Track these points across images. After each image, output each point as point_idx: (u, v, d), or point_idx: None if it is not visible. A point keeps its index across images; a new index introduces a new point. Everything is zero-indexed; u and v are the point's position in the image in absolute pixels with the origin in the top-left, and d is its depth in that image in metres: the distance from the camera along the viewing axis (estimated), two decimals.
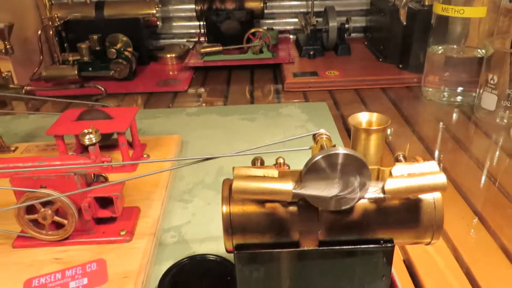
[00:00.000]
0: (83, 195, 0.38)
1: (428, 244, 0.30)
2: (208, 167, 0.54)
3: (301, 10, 1.09)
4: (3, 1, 0.89)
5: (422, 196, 0.28)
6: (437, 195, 0.28)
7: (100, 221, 0.40)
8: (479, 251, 0.42)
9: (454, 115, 0.72)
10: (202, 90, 0.86)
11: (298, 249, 0.29)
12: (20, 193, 0.37)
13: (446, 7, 0.68)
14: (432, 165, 0.27)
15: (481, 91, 0.67)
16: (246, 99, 0.80)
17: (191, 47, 1.04)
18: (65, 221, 0.38)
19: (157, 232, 0.42)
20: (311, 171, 0.26)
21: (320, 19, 1.01)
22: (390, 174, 0.26)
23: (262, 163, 0.30)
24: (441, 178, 0.26)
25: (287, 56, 0.96)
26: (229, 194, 0.29)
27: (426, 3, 0.81)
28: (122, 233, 0.40)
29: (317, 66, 0.91)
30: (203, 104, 0.78)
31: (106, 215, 0.40)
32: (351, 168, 0.26)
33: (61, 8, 0.97)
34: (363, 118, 0.29)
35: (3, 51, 0.83)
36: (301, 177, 0.26)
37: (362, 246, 0.29)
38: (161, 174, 0.49)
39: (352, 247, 0.29)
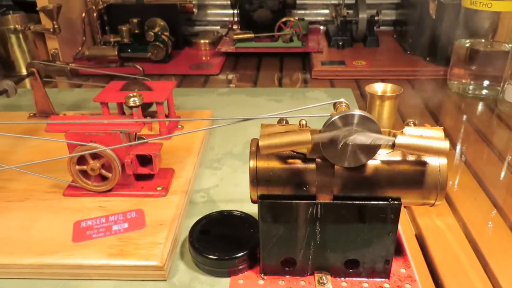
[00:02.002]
0: (126, 152, 0.43)
1: (432, 205, 0.33)
2: (236, 140, 0.58)
3: (332, 1, 1.12)
4: None
5: (429, 160, 0.32)
6: (443, 160, 0.32)
7: (139, 177, 0.45)
8: (488, 230, 0.44)
9: (478, 108, 0.73)
10: (232, 74, 0.90)
11: (314, 201, 0.32)
12: (72, 147, 0.42)
13: (475, 1, 0.70)
14: (439, 132, 0.30)
15: (505, 84, 0.69)
16: (275, 85, 0.84)
17: (224, 34, 1.09)
18: (110, 174, 0.43)
19: (189, 191, 0.46)
20: (330, 128, 0.29)
21: (350, 11, 1.03)
22: (402, 133, 0.30)
23: (287, 123, 0.33)
24: (445, 144, 0.29)
25: (316, 46, 0.99)
26: (256, 150, 0.33)
27: None
28: (159, 188, 0.44)
29: (345, 56, 0.93)
30: (232, 86, 0.82)
31: (145, 172, 0.44)
32: (364, 128, 0.29)
33: None
34: (378, 87, 0.32)
35: (51, 30, 0.90)
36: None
37: (371, 202, 0.32)
38: (194, 142, 0.53)
39: (363, 202, 0.32)
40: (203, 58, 1.01)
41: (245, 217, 0.40)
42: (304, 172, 0.32)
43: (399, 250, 0.39)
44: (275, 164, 0.32)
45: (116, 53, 0.93)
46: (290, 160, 0.32)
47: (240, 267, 0.37)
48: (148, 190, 0.44)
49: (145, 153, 0.43)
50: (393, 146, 0.29)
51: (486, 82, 0.76)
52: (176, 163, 0.49)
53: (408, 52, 0.94)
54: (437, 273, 0.39)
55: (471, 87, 0.77)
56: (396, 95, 0.31)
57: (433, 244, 0.43)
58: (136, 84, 0.55)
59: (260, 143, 0.30)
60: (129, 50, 0.95)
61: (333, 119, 0.29)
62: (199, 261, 0.37)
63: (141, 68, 0.86)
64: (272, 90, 0.77)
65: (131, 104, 0.42)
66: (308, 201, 0.32)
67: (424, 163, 0.31)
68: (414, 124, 0.31)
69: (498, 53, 0.74)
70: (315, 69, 0.87)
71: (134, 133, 0.45)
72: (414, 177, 0.31)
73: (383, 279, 0.36)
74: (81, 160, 0.43)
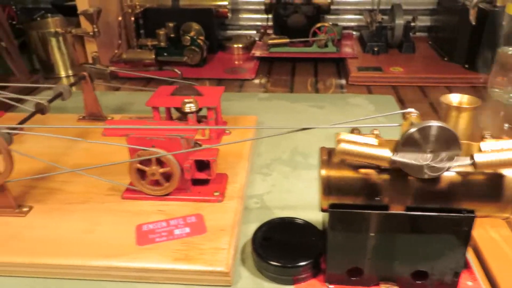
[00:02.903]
0: (185, 157, 0.43)
1: (506, 218, 0.33)
2: (282, 146, 0.58)
3: (366, 7, 1.11)
4: None
5: (506, 172, 0.31)
6: None
7: (195, 182, 0.46)
8: None
9: None
10: (267, 79, 0.90)
11: (388, 211, 0.32)
12: (133, 151, 0.43)
13: None
14: None
15: None
16: (311, 90, 0.83)
17: (257, 38, 1.09)
18: (169, 171, 0.43)
19: (244, 197, 0.46)
20: (407, 141, 0.29)
21: (385, 17, 1.02)
22: (479, 149, 0.30)
23: (360, 132, 0.33)
24: None
25: (351, 51, 0.98)
26: (328, 159, 0.33)
27: (498, 3, 0.82)
28: (216, 194, 0.45)
29: (381, 62, 0.93)
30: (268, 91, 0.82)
31: (202, 177, 0.45)
32: (443, 140, 0.29)
33: None
34: (454, 98, 0.32)
35: (91, 33, 0.92)
36: (397, 147, 0.30)
37: (445, 214, 0.32)
38: (243, 148, 0.54)
39: (437, 214, 0.32)
40: (236, 62, 1.01)
41: (306, 225, 0.40)
42: (377, 182, 0.32)
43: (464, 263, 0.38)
44: (347, 173, 0.32)
45: (153, 56, 0.94)
46: (363, 170, 0.32)
47: (304, 275, 0.37)
48: (205, 195, 0.45)
49: (204, 159, 0.44)
50: (473, 165, 0.28)
51: None
52: (228, 169, 0.49)
53: (445, 59, 0.93)
54: (497, 286, 0.38)
55: None
56: (474, 107, 0.31)
57: (490, 256, 0.42)
58: (186, 89, 0.56)
59: (338, 147, 0.30)
60: (165, 54, 0.96)
61: (411, 131, 0.29)
62: (263, 268, 0.37)
63: (179, 72, 0.87)
64: (313, 96, 0.77)
65: (187, 110, 0.43)
66: (380, 211, 0.32)
67: (501, 176, 0.31)
68: (491, 137, 0.31)
69: None
70: (352, 75, 0.87)
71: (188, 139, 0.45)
72: (491, 190, 0.31)
73: None
74: (141, 164, 0.43)
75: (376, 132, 0.33)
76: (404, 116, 0.35)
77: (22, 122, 0.46)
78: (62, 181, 0.48)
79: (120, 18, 1.02)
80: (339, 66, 0.97)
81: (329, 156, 0.33)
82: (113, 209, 0.44)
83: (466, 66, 0.88)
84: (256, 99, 0.75)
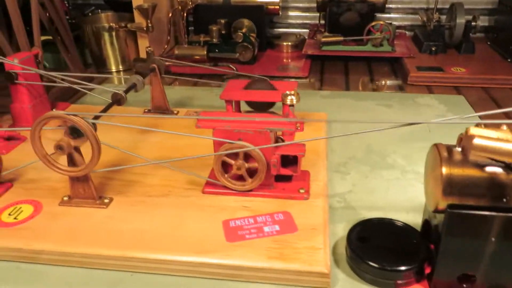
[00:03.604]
0: (272, 152, 0.41)
1: None
2: (355, 145, 0.56)
3: (420, 6, 1.08)
4: None
5: None
6: None
7: (277, 178, 0.44)
8: None
9: None
10: (321, 77, 0.88)
11: None
12: (219, 144, 0.41)
13: None
14: None
15: None
16: (367, 90, 0.81)
17: (307, 36, 1.07)
18: (255, 166, 0.41)
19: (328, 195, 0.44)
20: None
21: (442, 16, 0.99)
22: None
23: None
24: None
25: (406, 51, 0.95)
26: (448, 156, 0.31)
27: None
28: (301, 191, 0.43)
29: (439, 62, 0.89)
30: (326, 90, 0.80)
31: (287, 173, 0.43)
32: None
33: None
34: None
35: (145, 28, 0.91)
36: None
37: None
38: (319, 145, 0.52)
39: None
40: (284, 60, 1.00)
41: (404, 227, 0.38)
42: (506, 182, 0.29)
43: None
44: (472, 172, 0.30)
45: (205, 52, 0.94)
46: (489, 169, 0.30)
47: (407, 280, 0.34)
48: (290, 192, 0.43)
49: (292, 154, 0.42)
50: None
51: None
52: (308, 166, 0.48)
53: (509, 60, 0.89)
54: None
55: None
56: None
57: None
58: (260, 83, 0.54)
59: (475, 144, 0.28)
60: (217, 50, 0.95)
61: None
62: (362, 270, 0.35)
63: (234, 68, 0.86)
64: (376, 95, 0.75)
65: (288, 102, 0.42)
66: (507, 214, 0.30)
67: None
68: None
69: None
70: (411, 75, 0.84)
71: (275, 133, 0.43)
72: None
73: None
74: (227, 161, 0.42)
75: (504, 127, 0.30)
76: None
77: (102, 112, 0.45)
78: (140, 173, 0.47)
79: (170, 15, 1.02)
80: (393, 65, 0.94)
81: (449, 153, 0.31)
82: (196, 203, 0.42)
83: None
84: (318, 97, 0.73)
